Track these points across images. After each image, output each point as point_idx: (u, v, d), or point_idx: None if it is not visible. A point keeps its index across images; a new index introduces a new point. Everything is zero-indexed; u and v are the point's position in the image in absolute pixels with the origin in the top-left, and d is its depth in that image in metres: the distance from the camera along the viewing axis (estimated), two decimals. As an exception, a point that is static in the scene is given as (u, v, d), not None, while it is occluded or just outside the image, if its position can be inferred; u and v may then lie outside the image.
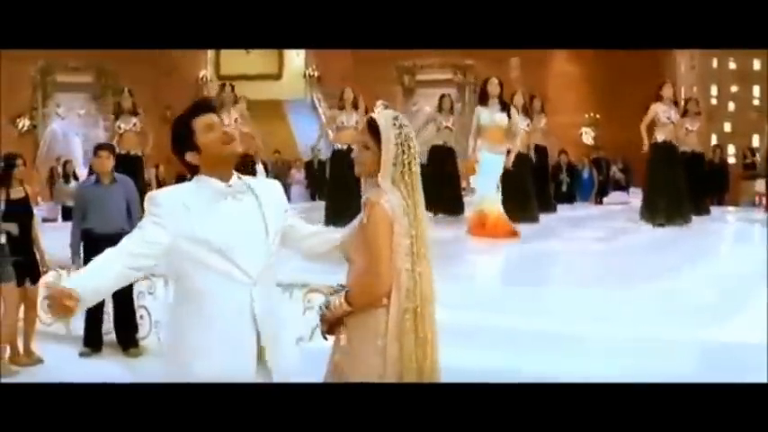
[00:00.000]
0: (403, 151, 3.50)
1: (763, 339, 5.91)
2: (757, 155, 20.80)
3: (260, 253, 3.49)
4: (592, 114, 24.54)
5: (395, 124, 3.52)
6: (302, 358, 6.80)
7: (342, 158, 12.65)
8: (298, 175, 21.75)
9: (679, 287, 7.63)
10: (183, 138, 3.57)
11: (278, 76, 28.65)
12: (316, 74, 28.08)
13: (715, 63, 22.73)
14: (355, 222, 3.62)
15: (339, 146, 12.74)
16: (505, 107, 11.20)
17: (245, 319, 3.43)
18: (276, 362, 3.53)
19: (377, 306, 3.51)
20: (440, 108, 14.27)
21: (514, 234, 10.97)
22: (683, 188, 12.52)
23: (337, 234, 3.80)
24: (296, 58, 28.78)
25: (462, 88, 28.11)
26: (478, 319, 6.38)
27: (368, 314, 3.52)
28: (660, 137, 12.42)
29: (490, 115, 11.01)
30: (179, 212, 3.40)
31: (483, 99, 11.17)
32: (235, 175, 3.57)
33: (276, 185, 3.77)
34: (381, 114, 3.59)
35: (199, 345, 3.40)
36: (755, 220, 14.09)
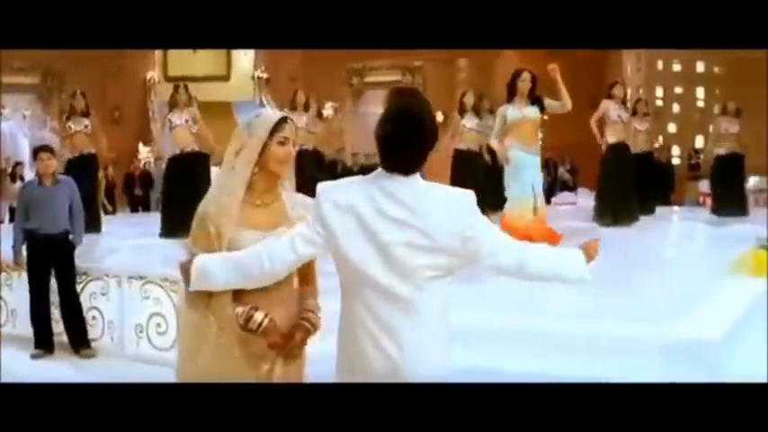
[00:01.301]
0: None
1: (715, 335, 6.06)
2: (701, 155, 21.15)
3: None
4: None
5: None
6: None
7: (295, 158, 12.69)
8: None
9: (629, 286, 7.74)
10: None
11: (226, 78, 28.53)
12: (264, 75, 28.02)
13: (660, 65, 23.06)
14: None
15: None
16: (536, 100, 9.87)
17: None
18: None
19: None
20: (388, 108, 14.37)
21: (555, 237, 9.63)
22: (632, 188, 12.71)
23: None
24: (244, 60, 28.69)
25: (411, 89, 28.16)
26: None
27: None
28: (613, 137, 12.60)
29: (519, 110, 9.82)
30: None
31: (511, 96, 10.00)
32: None
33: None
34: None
35: None
36: (700, 219, 14.33)
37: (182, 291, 3.63)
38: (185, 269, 3.42)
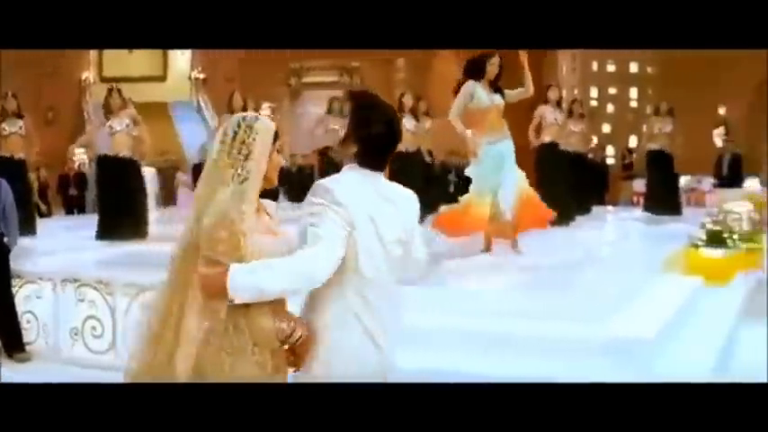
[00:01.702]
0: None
1: (649, 334, 6.15)
2: (635, 155, 21.44)
3: None
4: (476, 116, 24.89)
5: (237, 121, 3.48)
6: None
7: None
8: (183, 177, 21.53)
9: (566, 285, 7.82)
10: None
11: (162, 78, 28.33)
12: (201, 76, 27.86)
13: (595, 66, 23.34)
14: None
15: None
16: (498, 89, 9.02)
17: None
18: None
19: None
20: (329, 111, 14.37)
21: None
22: (567, 188, 12.84)
23: None
24: (181, 60, 28.51)
25: (349, 90, 28.21)
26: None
27: None
28: (546, 138, 12.73)
29: (488, 95, 8.91)
30: None
31: (475, 76, 8.97)
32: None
33: None
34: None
35: None
36: (634, 218, 14.53)
37: (193, 301, 3.38)
38: (219, 282, 3.26)
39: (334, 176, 3.49)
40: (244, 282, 3.24)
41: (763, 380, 5.90)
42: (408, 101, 13.23)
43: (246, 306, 3.31)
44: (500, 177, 8.94)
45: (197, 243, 3.37)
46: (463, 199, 9.27)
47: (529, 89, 9.25)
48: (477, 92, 8.85)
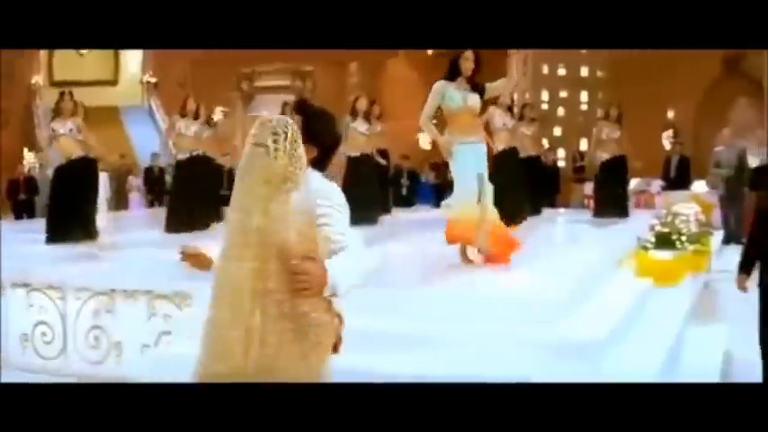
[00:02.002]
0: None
1: (599, 335, 6.22)
2: (586, 158, 21.64)
3: None
4: (429, 120, 25.02)
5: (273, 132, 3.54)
6: (150, 365, 6.86)
7: (184, 166, 12.62)
8: (135, 181, 21.40)
9: (517, 285, 7.86)
10: None
11: (114, 82, 28.14)
12: (153, 80, 27.70)
13: (546, 69, 23.53)
14: None
15: (183, 153, 12.68)
16: (477, 88, 8.48)
17: None
18: None
19: None
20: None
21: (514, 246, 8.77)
22: (521, 191, 12.91)
23: None
24: (132, 64, 28.35)
25: (301, 94, 28.21)
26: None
27: None
28: (501, 144, 12.75)
29: (461, 96, 8.37)
30: None
31: (451, 75, 8.46)
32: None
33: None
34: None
35: None
36: (584, 221, 14.65)
37: (270, 303, 3.41)
38: (324, 276, 3.39)
39: (325, 180, 3.68)
40: (347, 274, 3.44)
41: (712, 379, 6.01)
42: (362, 104, 13.23)
43: (314, 303, 3.46)
44: (480, 179, 8.48)
45: (266, 242, 3.40)
46: (455, 203, 8.61)
47: (512, 78, 9.20)
48: (449, 92, 8.37)
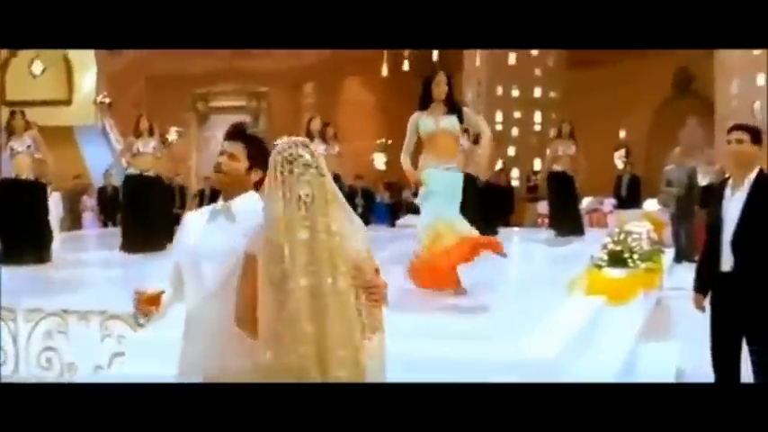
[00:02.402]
0: (276, 175, 3.50)
1: (553, 354, 6.27)
2: (539, 178, 21.83)
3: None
4: (383, 140, 25.12)
5: (274, 150, 3.57)
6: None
7: (136, 184, 12.58)
8: (89, 201, 21.23)
9: (472, 306, 7.90)
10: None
11: (68, 102, 27.91)
12: (107, 100, 27.53)
13: (500, 90, 23.71)
14: None
15: (134, 171, 12.64)
16: (454, 108, 8.17)
17: None
18: None
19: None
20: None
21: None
22: (477, 212, 12.97)
23: None
24: (86, 84, 28.17)
25: (256, 114, 28.20)
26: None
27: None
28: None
29: (433, 120, 8.07)
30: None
31: (424, 102, 8.17)
32: (239, 197, 3.80)
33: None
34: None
35: None
36: (539, 240, 14.77)
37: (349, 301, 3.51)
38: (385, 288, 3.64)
39: None
40: None
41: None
42: (316, 125, 13.30)
43: (380, 315, 3.65)
44: (448, 199, 8.14)
45: (347, 259, 3.49)
46: (425, 238, 8.13)
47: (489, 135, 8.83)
48: (421, 121, 8.10)
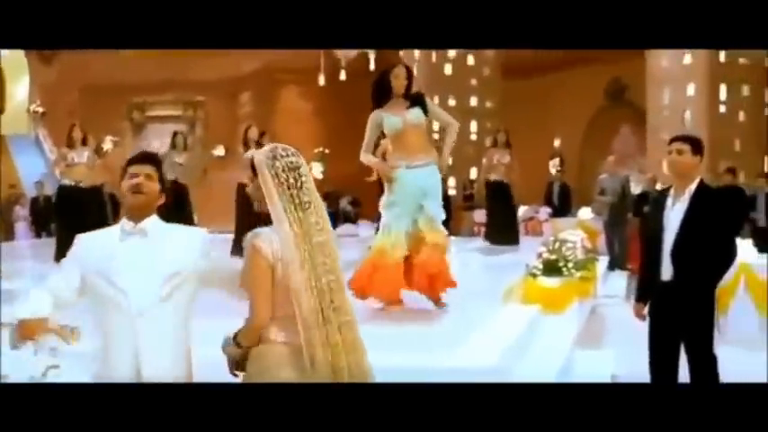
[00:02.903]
0: (282, 181, 3.58)
1: (491, 362, 6.31)
2: (475, 186, 21.98)
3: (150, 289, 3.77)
4: (321, 149, 25.13)
5: (268, 156, 3.60)
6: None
7: (70, 194, 12.46)
8: (22, 211, 20.95)
9: (408, 315, 7.92)
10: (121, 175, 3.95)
11: (-1, 111, 27.59)
12: (40, 110, 27.20)
13: (436, 99, 23.81)
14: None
15: (68, 182, 12.53)
16: (416, 101, 7.61)
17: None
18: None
19: (268, 342, 3.61)
20: (173, 145, 14.17)
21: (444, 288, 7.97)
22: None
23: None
24: (19, 93, 27.81)
25: (193, 124, 28.05)
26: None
27: (263, 349, 3.62)
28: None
29: (398, 116, 7.52)
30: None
31: (382, 98, 7.65)
32: (150, 219, 3.90)
33: (196, 234, 4.06)
34: (259, 151, 3.71)
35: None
36: (474, 248, 14.86)
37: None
38: None
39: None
40: None
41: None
42: (253, 134, 13.24)
43: None
44: (419, 209, 7.69)
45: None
46: (373, 246, 7.92)
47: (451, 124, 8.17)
48: (386, 119, 7.60)
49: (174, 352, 3.81)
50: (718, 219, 6.03)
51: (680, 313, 5.97)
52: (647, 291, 6.25)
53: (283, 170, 3.58)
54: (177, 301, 3.79)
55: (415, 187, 7.60)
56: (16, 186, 22.26)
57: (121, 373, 3.74)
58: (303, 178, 3.61)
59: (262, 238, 3.60)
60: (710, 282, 6.10)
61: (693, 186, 6.00)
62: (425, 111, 7.67)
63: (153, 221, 3.89)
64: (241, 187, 12.93)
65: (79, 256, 3.88)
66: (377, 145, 8.44)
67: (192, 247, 3.91)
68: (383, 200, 7.85)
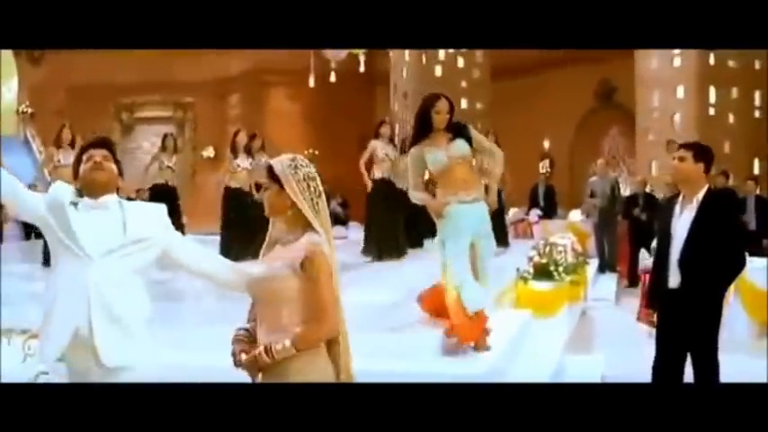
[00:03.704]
0: (304, 189, 3.69)
1: (482, 368, 6.31)
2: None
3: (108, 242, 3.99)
4: (310, 150, 25.10)
5: (290, 165, 3.72)
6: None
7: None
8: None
9: (395, 320, 7.90)
10: (75, 161, 4.23)
11: (-12, 112, 27.54)
12: (29, 110, 27.15)
13: (425, 101, 23.85)
14: (273, 264, 3.72)
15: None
16: (459, 132, 7.12)
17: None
18: (103, 342, 3.90)
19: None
20: (163, 147, 14.09)
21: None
22: (399, 223, 13.04)
23: (237, 266, 4.25)
24: (7, 94, 27.75)
25: (182, 125, 28.02)
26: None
27: (309, 355, 3.65)
28: (378, 173, 12.89)
29: (443, 151, 7.04)
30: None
31: (423, 134, 7.16)
32: (111, 197, 4.13)
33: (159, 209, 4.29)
34: (278, 160, 3.77)
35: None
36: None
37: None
38: None
39: None
40: None
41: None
42: (242, 139, 13.16)
43: None
44: (471, 247, 7.15)
45: None
46: (438, 281, 7.36)
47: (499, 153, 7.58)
48: (429, 156, 7.10)
49: (127, 299, 3.99)
50: (726, 227, 6.01)
51: (687, 320, 5.94)
52: (658, 298, 6.21)
53: (305, 179, 3.69)
54: (135, 260, 4.03)
55: (466, 225, 7.09)
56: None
57: (67, 324, 3.91)
58: (319, 188, 3.74)
59: (323, 244, 3.66)
60: (718, 289, 6.08)
61: (701, 195, 5.97)
62: (470, 142, 7.12)
63: (114, 198, 4.13)
64: (229, 191, 12.93)
65: (48, 200, 4.08)
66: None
67: (157, 220, 4.18)
68: (437, 237, 7.30)
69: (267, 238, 3.88)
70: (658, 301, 6.20)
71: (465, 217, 7.01)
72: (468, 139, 7.07)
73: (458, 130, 7.08)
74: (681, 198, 6.07)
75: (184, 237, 4.33)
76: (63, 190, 4.13)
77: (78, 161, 4.17)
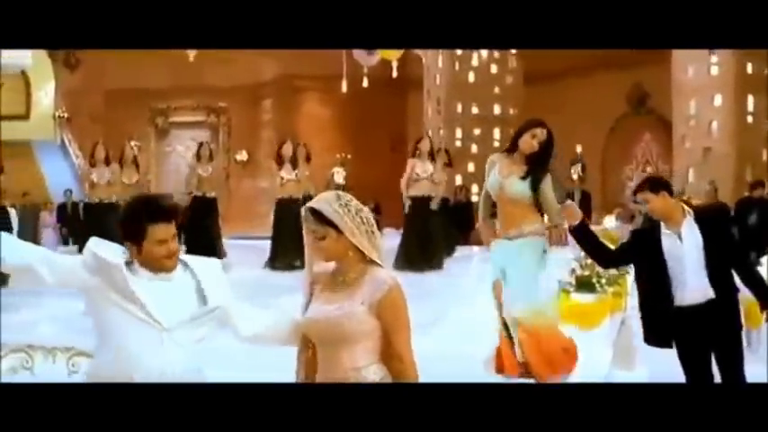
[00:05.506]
0: (359, 224, 3.49)
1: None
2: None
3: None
4: (342, 154, 25.18)
5: (340, 204, 3.49)
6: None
7: (95, 212, 12.81)
8: (49, 218, 20.98)
9: (441, 329, 7.89)
10: (132, 231, 3.62)
11: (25, 117, 27.76)
12: (65, 115, 27.37)
13: (459, 107, 23.80)
14: (342, 304, 3.51)
15: (92, 200, 12.89)
16: (534, 171, 6.51)
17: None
18: None
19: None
20: (198, 157, 13.86)
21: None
22: (436, 239, 13.04)
23: (284, 317, 3.85)
24: (44, 99, 28.03)
25: (216, 129, 28.15)
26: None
27: None
28: (415, 191, 12.79)
29: (500, 180, 6.55)
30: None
31: (511, 146, 6.71)
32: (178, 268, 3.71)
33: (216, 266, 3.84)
34: (324, 201, 3.52)
35: None
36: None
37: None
38: None
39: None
40: None
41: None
42: (288, 150, 13.08)
43: None
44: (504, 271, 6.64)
45: None
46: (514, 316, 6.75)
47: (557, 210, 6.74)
48: (490, 171, 6.68)
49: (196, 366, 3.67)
50: (728, 232, 6.06)
51: (715, 330, 5.86)
52: (665, 322, 5.98)
53: (357, 213, 3.49)
54: (206, 329, 3.70)
55: (497, 262, 6.71)
56: (30, 194, 22.25)
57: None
58: (370, 218, 3.55)
59: (396, 278, 3.55)
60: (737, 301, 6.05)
61: (689, 216, 5.79)
62: (535, 189, 6.50)
63: (179, 267, 3.71)
64: (279, 201, 12.94)
65: (90, 266, 3.59)
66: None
67: (219, 281, 3.76)
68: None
69: (309, 276, 3.67)
70: (666, 324, 6.04)
71: (497, 254, 6.68)
72: (535, 186, 6.48)
73: (534, 169, 6.49)
74: (662, 226, 5.89)
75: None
76: (109, 250, 3.61)
77: (138, 231, 3.59)
